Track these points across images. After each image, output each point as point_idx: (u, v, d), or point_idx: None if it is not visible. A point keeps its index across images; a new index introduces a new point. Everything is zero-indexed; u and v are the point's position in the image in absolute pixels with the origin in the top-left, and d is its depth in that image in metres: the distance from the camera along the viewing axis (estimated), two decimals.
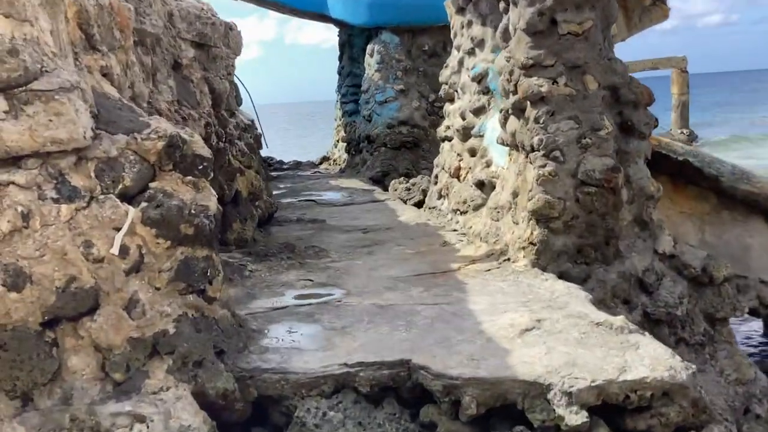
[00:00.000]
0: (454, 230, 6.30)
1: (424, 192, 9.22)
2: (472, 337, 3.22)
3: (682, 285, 4.44)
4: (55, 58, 2.85)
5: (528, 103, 4.34)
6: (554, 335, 3.13)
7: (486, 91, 6.56)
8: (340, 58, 14.47)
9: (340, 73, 14.52)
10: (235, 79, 7.82)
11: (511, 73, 4.50)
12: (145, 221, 2.92)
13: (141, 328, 2.88)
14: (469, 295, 3.95)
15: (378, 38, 12.04)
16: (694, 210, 5.52)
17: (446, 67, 7.58)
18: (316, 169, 14.36)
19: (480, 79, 6.58)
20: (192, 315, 3.04)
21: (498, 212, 5.09)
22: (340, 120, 14.53)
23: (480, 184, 6.09)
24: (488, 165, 6.12)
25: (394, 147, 11.86)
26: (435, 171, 7.86)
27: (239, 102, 14.13)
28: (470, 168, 6.51)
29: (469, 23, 6.85)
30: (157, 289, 2.96)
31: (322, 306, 4.00)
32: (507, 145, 5.16)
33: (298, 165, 14.90)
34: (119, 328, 2.85)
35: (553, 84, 4.22)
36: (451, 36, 7.45)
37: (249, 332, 3.44)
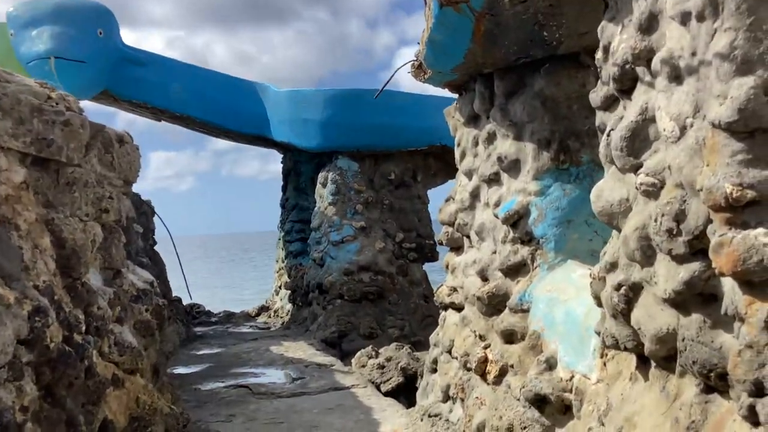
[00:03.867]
0: None
1: (404, 371, 6.60)
2: None
3: None
4: None
5: (741, 285, 1.93)
6: None
7: (527, 240, 4.15)
8: (284, 189, 12.11)
9: (283, 206, 12.11)
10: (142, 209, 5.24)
11: (677, 218, 2.08)
12: None
13: None
14: None
15: (333, 164, 9.77)
16: None
17: (449, 201, 5.19)
18: (252, 323, 11.57)
19: (516, 220, 4.19)
20: None
21: None
22: (283, 262, 11.94)
23: (538, 401, 3.53)
24: (550, 367, 3.59)
25: (354, 299, 9.31)
26: (432, 353, 5.27)
27: (149, 240, 11.49)
28: (511, 366, 3.96)
29: (491, 137, 4.55)
30: None
31: None
32: (627, 349, 2.68)
33: (229, 317, 12.08)
34: None
35: None
36: (456, 156, 5.13)
37: None
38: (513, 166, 4.30)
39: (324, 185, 9.85)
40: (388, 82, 5.33)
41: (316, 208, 10.04)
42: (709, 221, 2.06)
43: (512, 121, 4.30)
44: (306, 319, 10.08)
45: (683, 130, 2.18)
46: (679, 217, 2.16)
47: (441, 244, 5.26)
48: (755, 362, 1.89)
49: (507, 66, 4.32)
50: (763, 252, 1.87)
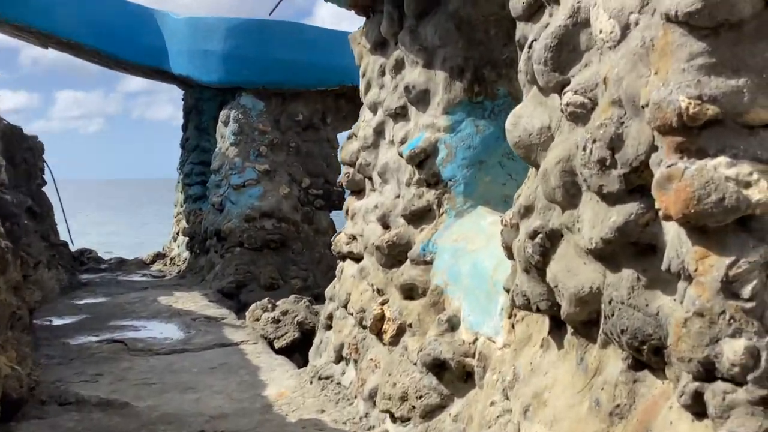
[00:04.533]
0: None
1: (301, 326, 6.09)
2: None
3: None
4: None
5: (690, 233, 1.47)
6: None
7: (434, 182, 3.65)
8: (185, 128, 11.22)
9: (183, 147, 11.24)
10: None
11: (612, 144, 1.57)
12: None
13: None
14: None
15: (236, 102, 8.99)
16: None
17: (351, 138, 4.63)
18: (145, 271, 10.79)
19: (422, 159, 3.67)
20: None
21: None
22: (182, 206, 11.13)
23: (437, 366, 3.08)
24: (452, 328, 3.13)
25: (254, 247, 8.68)
26: (327, 307, 4.76)
27: (37, 179, 10.47)
28: (409, 325, 3.48)
29: (399, 65, 3.99)
30: None
31: None
32: (540, 310, 2.22)
33: (121, 264, 11.22)
34: None
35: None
36: (361, 88, 4.56)
37: None
38: (422, 98, 3.76)
39: (226, 124, 9.07)
40: None
41: (216, 149, 9.27)
42: (653, 148, 1.58)
43: (423, 46, 3.74)
44: (203, 268, 9.40)
45: (625, 30, 1.67)
46: (615, 143, 1.67)
47: (340, 187, 4.71)
48: (706, 336, 1.43)
49: None
50: (723, 188, 1.40)
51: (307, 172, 9.16)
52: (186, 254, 10.54)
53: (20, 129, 10.93)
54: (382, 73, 4.24)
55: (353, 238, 4.45)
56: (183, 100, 11.32)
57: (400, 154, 3.83)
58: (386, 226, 3.99)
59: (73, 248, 11.28)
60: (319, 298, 8.89)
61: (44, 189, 11.41)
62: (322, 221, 9.22)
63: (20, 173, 10.67)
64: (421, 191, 3.69)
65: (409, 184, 3.81)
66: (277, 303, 6.72)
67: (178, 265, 10.65)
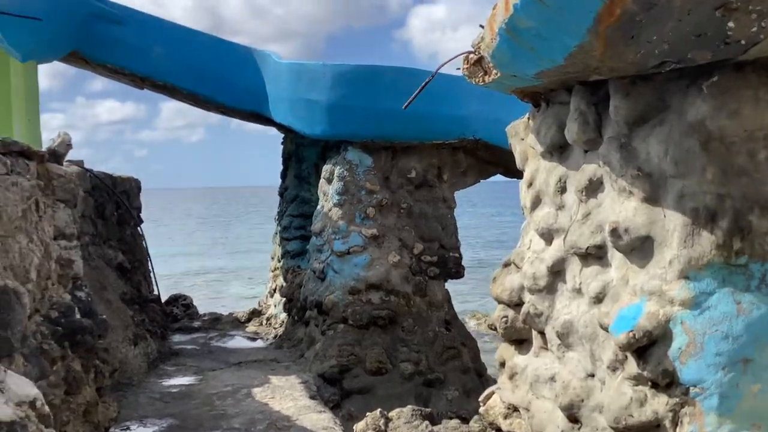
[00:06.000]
0: None
1: None
2: None
3: None
4: None
5: None
6: None
7: (664, 383, 2.38)
8: (283, 176, 10.32)
9: (281, 196, 10.33)
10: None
11: None
12: None
13: None
14: None
15: (340, 157, 7.95)
16: None
17: (509, 267, 3.41)
18: (240, 333, 9.92)
19: (644, 345, 2.41)
20: None
21: None
22: (279, 261, 10.21)
23: None
24: None
25: (360, 324, 7.59)
26: None
27: (132, 222, 9.86)
28: None
29: (593, 186, 2.76)
30: None
31: None
32: None
33: (215, 322, 10.41)
34: None
35: None
36: (525, 201, 3.34)
37: None
38: (639, 247, 2.51)
39: (329, 181, 8.06)
40: (424, 86, 3.53)
41: (318, 207, 8.26)
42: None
43: (642, 170, 2.49)
44: (302, 341, 8.39)
45: None
46: None
47: (492, 329, 3.50)
48: None
49: (636, 74, 2.50)
50: None
51: (420, 236, 8.01)
52: (283, 316, 9.59)
53: (111, 176, 10.37)
54: (562, 190, 3.01)
55: (514, 409, 3.23)
56: (282, 144, 10.45)
57: (604, 328, 2.59)
58: (574, 419, 2.76)
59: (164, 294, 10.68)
60: (433, 385, 7.74)
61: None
62: (436, 293, 8.03)
63: (111, 225, 10.09)
64: (643, 394, 2.43)
65: (616, 370, 2.56)
66: (390, 416, 5.56)
67: (274, 328, 9.73)
